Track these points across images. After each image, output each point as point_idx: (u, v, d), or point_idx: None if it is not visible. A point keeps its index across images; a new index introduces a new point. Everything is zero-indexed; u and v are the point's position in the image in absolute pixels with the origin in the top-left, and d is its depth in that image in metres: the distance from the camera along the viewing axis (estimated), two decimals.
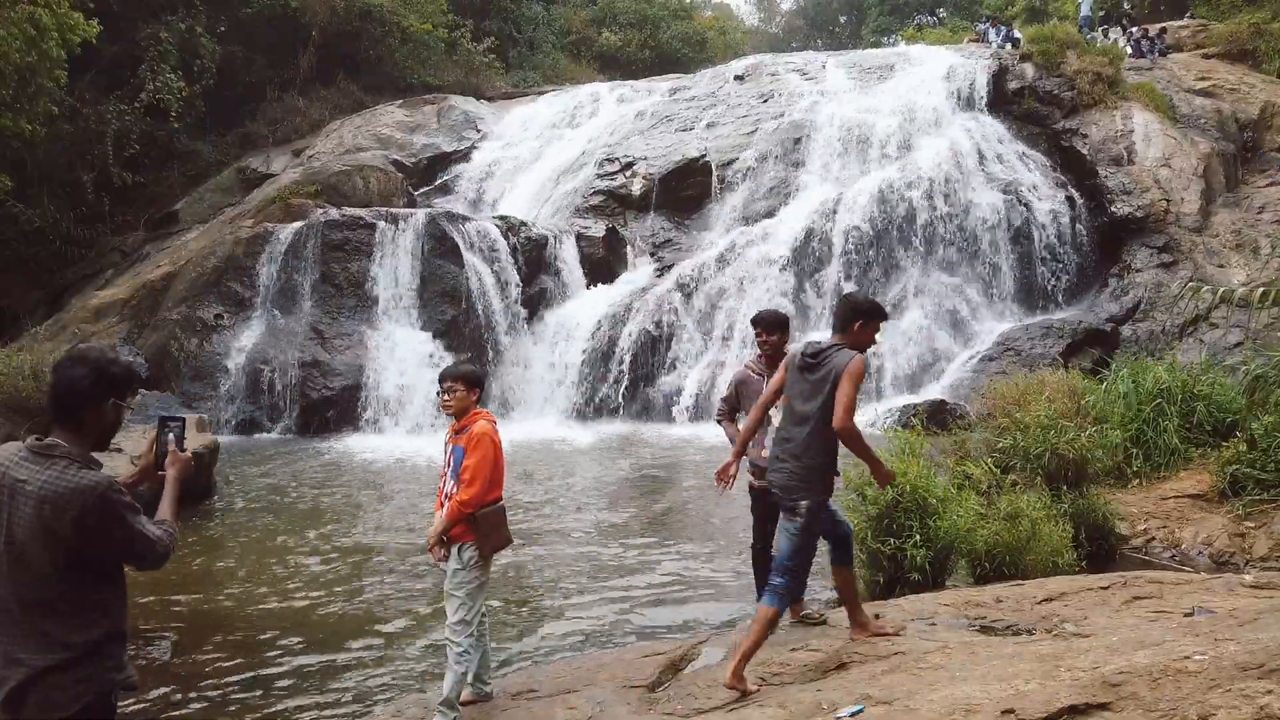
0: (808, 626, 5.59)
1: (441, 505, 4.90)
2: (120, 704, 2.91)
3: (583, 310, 17.90)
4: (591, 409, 16.61)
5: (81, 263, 22.13)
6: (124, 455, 9.07)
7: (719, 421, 6.11)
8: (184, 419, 3.19)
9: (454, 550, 4.79)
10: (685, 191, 20.14)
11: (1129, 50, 23.01)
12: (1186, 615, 4.87)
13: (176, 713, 5.54)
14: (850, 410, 4.58)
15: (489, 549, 4.84)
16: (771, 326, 5.85)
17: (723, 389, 6.98)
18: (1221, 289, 13.41)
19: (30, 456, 2.70)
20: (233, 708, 5.57)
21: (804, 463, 4.74)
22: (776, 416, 5.56)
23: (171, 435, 3.03)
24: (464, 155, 23.49)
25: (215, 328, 17.01)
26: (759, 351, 5.92)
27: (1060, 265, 18.09)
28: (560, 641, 6.52)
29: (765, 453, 5.48)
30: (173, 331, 16.89)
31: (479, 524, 4.76)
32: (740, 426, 5.69)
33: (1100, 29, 25.46)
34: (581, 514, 10.15)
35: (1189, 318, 16.08)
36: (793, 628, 5.57)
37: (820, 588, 7.14)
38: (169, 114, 22.70)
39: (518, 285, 17.76)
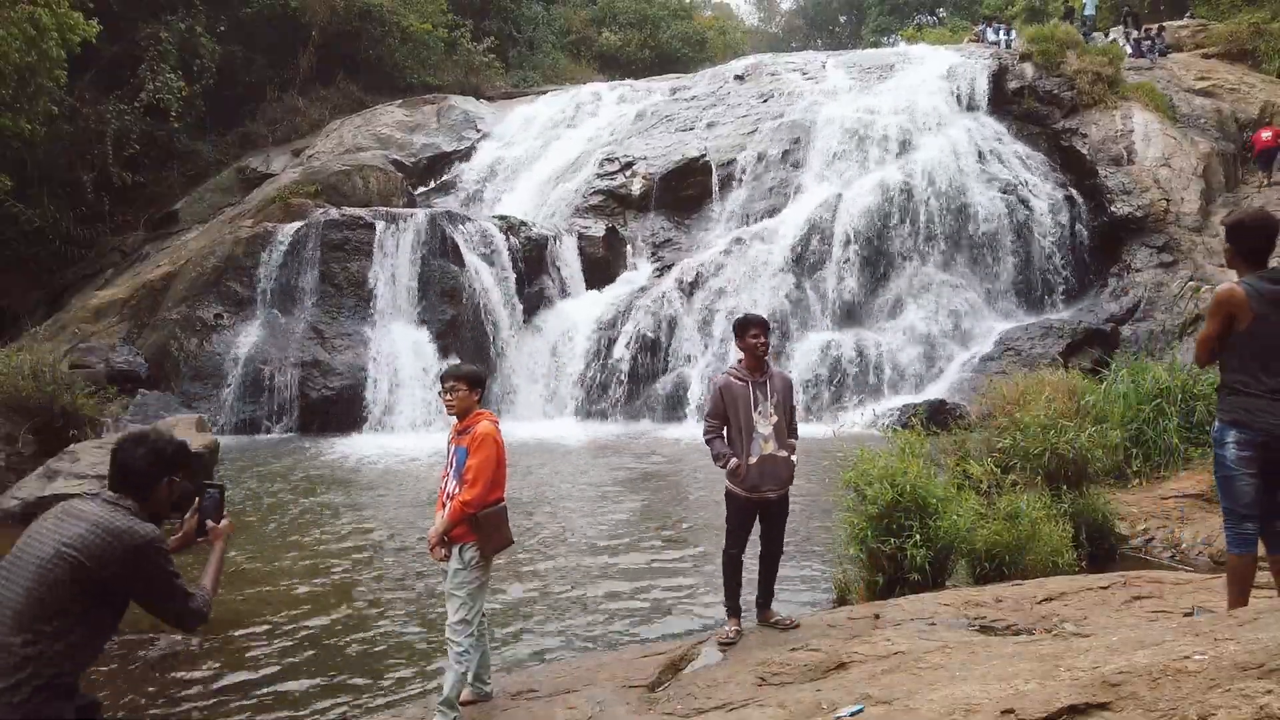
0: (781, 630, 5.55)
1: (443, 505, 4.90)
2: (111, 707, 2.98)
3: (583, 310, 17.92)
4: (592, 409, 16.61)
5: (81, 263, 22.15)
6: None
7: (709, 440, 5.58)
8: (222, 486, 3.50)
9: (455, 550, 4.79)
10: (685, 191, 20.16)
11: (1129, 50, 23.00)
12: (1186, 615, 4.87)
13: (170, 714, 5.54)
14: (1200, 347, 4.34)
15: (490, 549, 4.84)
16: (768, 328, 5.78)
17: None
18: None
19: (100, 503, 2.99)
20: (229, 709, 5.57)
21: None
22: (761, 425, 5.49)
23: (211, 503, 3.34)
24: (464, 155, 23.53)
25: (215, 328, 17.01)
26: (740, 356, 5.71)
27: (1060, 265, 18.09)
28: (560, 641, 6.52)
29: (753, 460, 5.45)
30: (173, 331, 16.90)
31: (481, 524, 4.76)
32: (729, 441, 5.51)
33: (1125, 34, 25.26)
34: (582, 514, 10.15)
35: (1189, 318, 16.08)
36: (793, 628, 5.57)
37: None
38: (169, 114, 22.73)
39: (518, 285, 17.77)
